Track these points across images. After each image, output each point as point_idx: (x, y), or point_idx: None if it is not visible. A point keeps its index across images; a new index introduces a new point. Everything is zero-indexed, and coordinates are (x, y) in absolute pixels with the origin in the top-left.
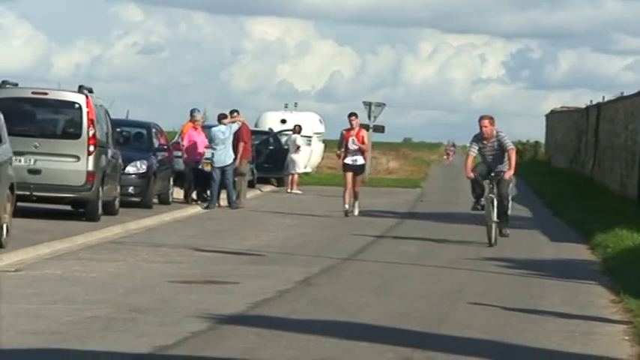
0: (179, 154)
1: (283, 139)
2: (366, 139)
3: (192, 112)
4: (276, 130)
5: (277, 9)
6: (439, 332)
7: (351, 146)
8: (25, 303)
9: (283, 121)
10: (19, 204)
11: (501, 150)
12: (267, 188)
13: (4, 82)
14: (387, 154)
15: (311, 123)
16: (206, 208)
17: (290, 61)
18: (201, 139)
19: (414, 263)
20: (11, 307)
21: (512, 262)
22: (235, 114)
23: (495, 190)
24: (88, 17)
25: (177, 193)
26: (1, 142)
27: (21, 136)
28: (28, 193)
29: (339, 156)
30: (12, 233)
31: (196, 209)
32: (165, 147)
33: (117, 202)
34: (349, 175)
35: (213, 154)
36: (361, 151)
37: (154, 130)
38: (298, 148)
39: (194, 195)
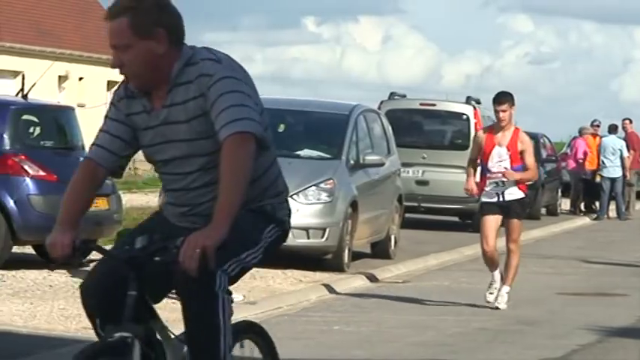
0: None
1: None
2: (528, 155)
3: (592, 123)
4: None
5: None
6: None
7: (495, 166)
8: (414, 314)
9: None
10: (406, 215)
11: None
12: None
13: (392, 93)
14: None
15: None
16: (595, 219)
17: None
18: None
19: None
20: (400, 317)
21: None
22: (627, 121)
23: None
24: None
25: (565, 204)
26: (390, 153)
27: (409, 147)
28: (416, 204)
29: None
30: (400, 245)
31: (584, 220)
32: (554, 158)
33: None
34: (490, 221)
35: (603, 164)
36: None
37: (541, 140)
38: None
39: (582, 206)
